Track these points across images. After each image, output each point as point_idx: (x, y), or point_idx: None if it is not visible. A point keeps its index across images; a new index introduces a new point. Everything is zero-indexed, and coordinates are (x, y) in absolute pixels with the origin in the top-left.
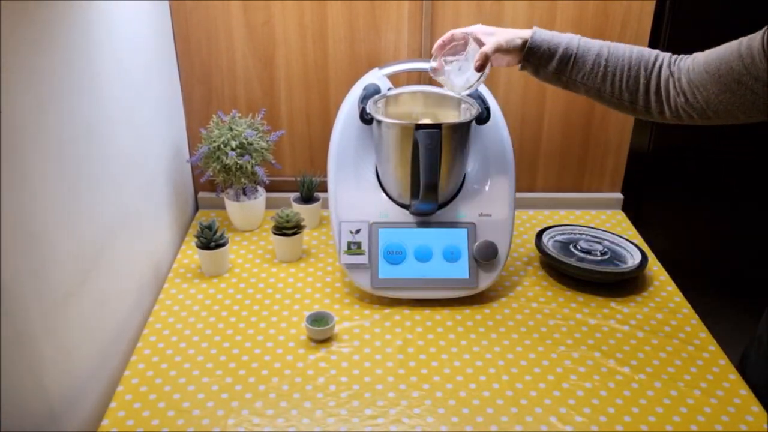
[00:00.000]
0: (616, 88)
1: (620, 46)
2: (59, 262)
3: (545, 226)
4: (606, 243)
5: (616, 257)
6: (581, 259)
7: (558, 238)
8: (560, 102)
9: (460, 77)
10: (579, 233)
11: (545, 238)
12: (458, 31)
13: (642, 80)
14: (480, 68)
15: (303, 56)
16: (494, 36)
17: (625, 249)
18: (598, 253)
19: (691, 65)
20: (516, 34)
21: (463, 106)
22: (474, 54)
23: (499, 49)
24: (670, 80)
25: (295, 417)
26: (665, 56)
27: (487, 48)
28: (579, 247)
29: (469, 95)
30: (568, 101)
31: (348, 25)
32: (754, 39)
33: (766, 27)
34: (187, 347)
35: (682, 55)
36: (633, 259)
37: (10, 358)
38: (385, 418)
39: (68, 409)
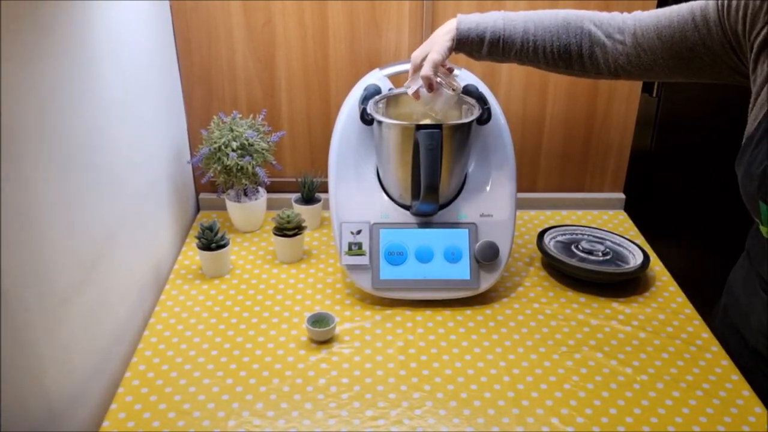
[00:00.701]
0: (549, 59)
1: (545, 16)
2: (60, 264)
3: (547, 226)
4: (608, 243)
5: (618, 257)
6: (583, 260)
7: (559, 238)
8: (562, 102)
9: (438, 101)
10: (581, 233)
11: (546, 238)
12: (415, 58)
13: (573, 49)
14: (430, 89)
15: (303, 57)
16: (429, 54)
17: (627, 249)
18: (600, 254)
19: (637, 29)
20: (445, 37)
21: (464, 106)
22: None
23: (437, 64)
24: (608, 42)
25: (296, 418)
26: (592, 18)
27: (426, 71)
28: (581, 248)
29: (469, 95)
30: (570, 101)
31: (348, 26)
32: (707, 8)
33: None
34: (187, 348)
35: (616, 15)
36: (635, 259)
37: (11, 359)
38: (386, 420)
39: (69, 410)
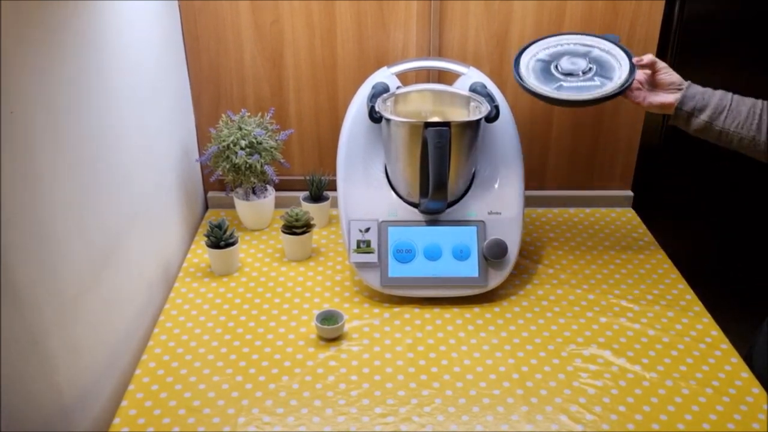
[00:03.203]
0: (751, 144)
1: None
2: (71, 262)
3: (528, 42)
4: (594, 54)
5: (601, 71)
6: (559, 87)
7: (541, 55)
8: None
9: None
10: (566, 43)
11: (526, 57)
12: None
13: None
14: (638, 62)
15: (311, 55)
16: (667, 69)
17: (614, 57)
18: (581, 73)
19: None
20: (676, 83)
21: (472, 104)
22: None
23: (655, 68)
24: None
25: (305, 415)
26: None
27: (657, 62)
28: (560, 69)
29: (477, 93)
30: None
31: (356, 24)
32: None
33: None
34: (197, 346)
35: None
36: (621, 69)
37: (23, 357)
38: (396, 417)
39: (80, 408)
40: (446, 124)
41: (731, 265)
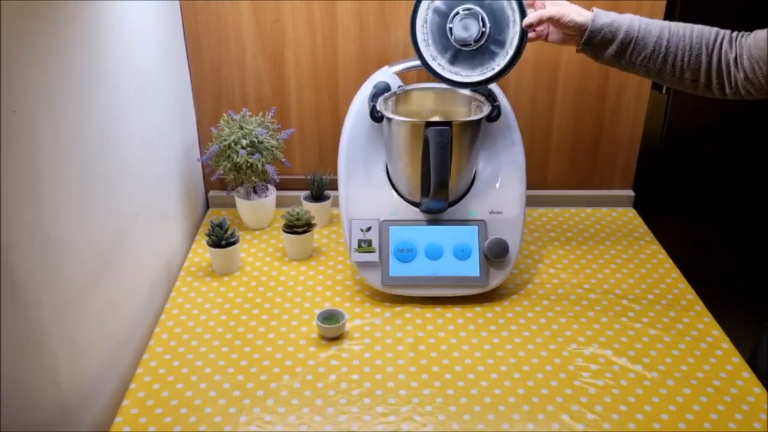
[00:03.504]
0: (677, 69)
1: (680, 25)
2: (72, 261)
3: None
4: (487, 2)
5: (495, 32)
6: (454, 58)
7: (438, 4)
8: (571, 98)
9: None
10: None
11: (423, 7)
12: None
13: (704, 59)
14: (528, 26)
15: (313, 54)
16: (556, 6)
17: (509, 11)
18: (473, 42)
19: (753, 42)
20: (578, 11)
21: (473, 103)
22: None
23: (553, 20)
24: (731, 57)
25: (307, 415)
26: (725, 33)
27: (548, 12)
28: (454, 35)
29: (479, 92)
30: (579, 98)
31: (357, 23)
32: None
33: None
34: (198, 345)
35: (743, 32)
36: (515, 23)
37: (25, 356)
38: (397, 416)
39: (81, 406)
40: (447, 123)
41: (732, 264)
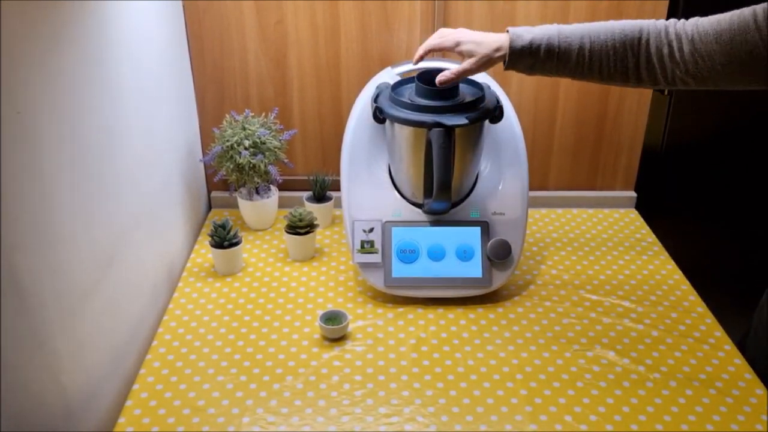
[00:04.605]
0: (605, 73)
1: (602, 29)
2: (76, 262)
3: None
4: None
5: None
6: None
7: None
8: (573, 100)
9: None
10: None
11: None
12: (447, 40)
13: (630, 61)
14: (442, 83)
15: (315, 55)
16: (471, 60)
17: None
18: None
19: (696, 34)
20: (492, 46)
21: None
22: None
23: (472, 71)
24: (665, 52)
25: (310, 415)
26: (650, 29)
27: (462, 68)
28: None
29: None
30: (581, 99)
31: (360, 25)
32: None
33: None
34: (201, 346)
35: (674, 22)
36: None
37: (27, 357)
38: (400, 417)
39: (84, 407)
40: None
41: (735, 266)
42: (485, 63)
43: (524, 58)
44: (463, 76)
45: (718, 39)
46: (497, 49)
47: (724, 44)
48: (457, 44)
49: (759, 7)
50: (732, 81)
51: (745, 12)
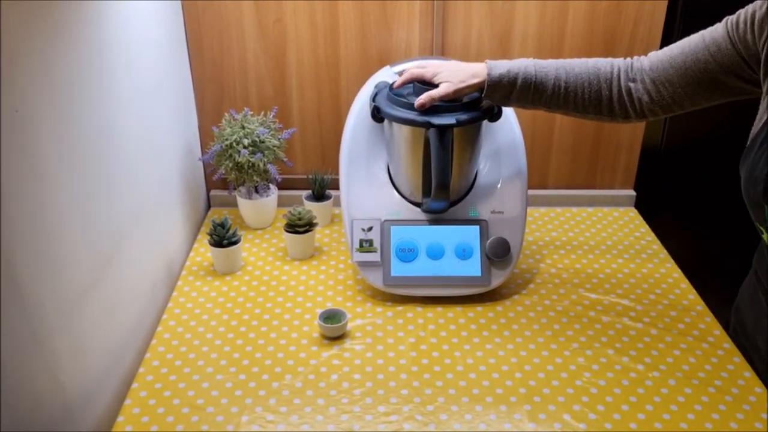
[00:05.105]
0: (579, 106)
1: (576, 63)
2: (75, 261)
3: None
4: None
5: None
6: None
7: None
8: None
9: None
10: None
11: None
12: (428, 71)
13: (604, 93)
14: (420, 107)
15: (314, 54)
16: (448, 83)
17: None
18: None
19: (652, 65)
20: (469, 72)
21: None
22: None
23: (448, 96)
24: (632, 86)
25: (309, 414)
26: (620, 64)
27: (423, 99)
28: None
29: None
30: None
31: (359, 23)
32: (716, 30)
33: (725, 18)
34: (200, 344)
35: (636, 58)
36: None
37: (26, 356)
38: (399, 415)
39: (83, 406)
40: (449, 124)
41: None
42: (461, 88)
43: (501, 87)
44: (439, 100)
45: (673, 63)
46: (474, 75)
47: (679, 67)
48: (435, 74)
49: (705, 30)
50: (694, 101)
51: (693, 36)
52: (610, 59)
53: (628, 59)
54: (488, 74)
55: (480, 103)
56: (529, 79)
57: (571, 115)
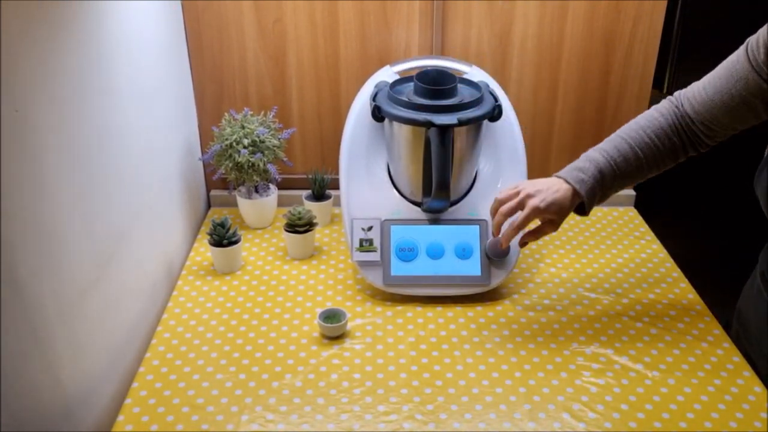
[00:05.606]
0: (660, 164)
1: (635, 130)
2: (74, 260)
3: None
4: None
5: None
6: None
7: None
8: (572, 99)
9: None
10: None
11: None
12: (506, 195)
13: (677, 143)
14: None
15: (314, 54)
16: (546, 226)
17: None
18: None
19: (695, 107)
20: (563, 200)
21: None
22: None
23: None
24: (684, 123)
25: (309, 413)
26: (670, 108)
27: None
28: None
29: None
30: (580, 98)
31: (359, 23)
32: (738, 61)
33: (746, 42)
34: (200, 344)
35: (676, 100)
36: None
37: (26, 355)
38: (398, 415)
39: (83, 405)
40: (449, 123)
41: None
42: (563, 218)
43: (596, 195)
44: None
45: (713, 107)
46: (565, 197)
47: (719, 108)
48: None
49: (731, 61)
50: (734, 129)
51: (721, 71)
52: (656, 110)
53: (672, 105)
54: (580, 192)
55: (480, 103)
56: (614, 174)
57: (656, 174)
